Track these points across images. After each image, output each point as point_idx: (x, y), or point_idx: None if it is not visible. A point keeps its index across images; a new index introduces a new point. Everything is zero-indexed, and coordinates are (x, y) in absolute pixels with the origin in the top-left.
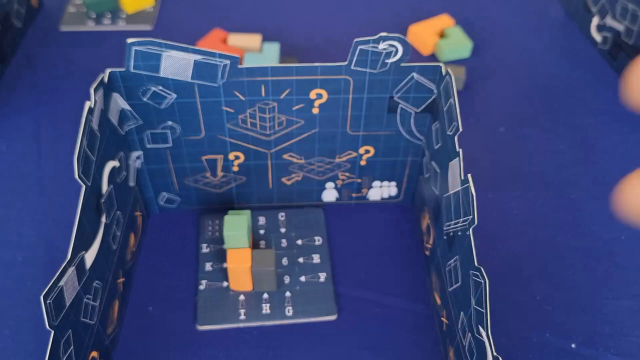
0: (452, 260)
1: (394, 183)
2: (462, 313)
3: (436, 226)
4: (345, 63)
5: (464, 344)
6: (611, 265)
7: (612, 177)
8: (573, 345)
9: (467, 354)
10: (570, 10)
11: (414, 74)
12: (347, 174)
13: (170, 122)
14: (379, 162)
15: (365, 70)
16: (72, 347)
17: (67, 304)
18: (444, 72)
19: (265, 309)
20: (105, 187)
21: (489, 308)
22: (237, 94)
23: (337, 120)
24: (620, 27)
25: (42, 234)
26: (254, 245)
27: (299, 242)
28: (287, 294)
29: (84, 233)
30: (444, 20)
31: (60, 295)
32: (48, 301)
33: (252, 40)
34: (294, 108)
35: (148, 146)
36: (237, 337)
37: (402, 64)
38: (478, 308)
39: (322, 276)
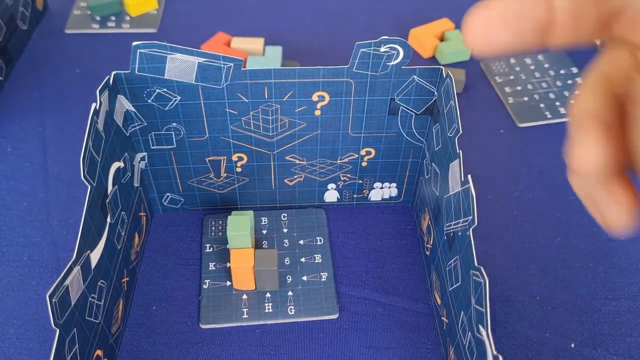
0: (452, 260)
1: (394, 184)
2: (462, 312)
3: (436, 226)
4: (347, 66)
5: (464, 343)
6: (610, 265)
7: None
8: (572, 345)
9: (468, 353)
10: None
11: (415, 77)
12: (348, 175)
13: (174, 124)
14: (379, 164)
15: (366, 73)
16: (77, 345)
17: (72, 303)
18: (444, 75)
19: (268, 308)
20: (110, 187)
21: (489, 307)
22: (241, 96)
23: (338, 122)
24: None
25: (47, 234)
26: (257, 245)
27: (301, 242)
28: (289, 293)
29: (89, 233)
30: (444, 24)
31: (65, 294)
32: (54, 300)
33: (254, 43)
34: (297, 110)
35: (152, 147)
36: (240, 336)
37: (403, 67)
38: (478, 307)
39: (324, 276)
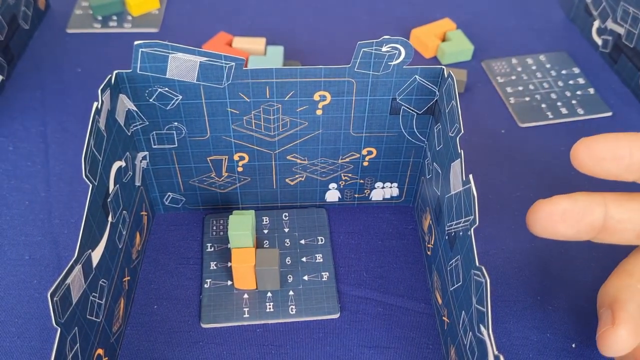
0: (453, 260)
1: (395, 184)
2: (463, 312)
3: (438, 226)
4: (349, 65)
5: (466, 342)
6: (612, 265)
7: None
8: (574, 345)
9: (469, 353)
10: (571, 13)
11: (417, 77)
12: (349, 174)
13: (175, 123)
14: (381, 164)
15: (368, 73)
16: (78, 344)
17: (74, 302)
18: (445, 75)
19: (269, 307)
20: (111, 186)
21: (490, 307)
22: (242, 95)
23: (340, 122)
24: (621, 30)
25: (48, 233)
26: (258, 244)
27: (302, 241)
28: (291, 292)
29: (91, 232)
30: (446, 24)
31: (67, 293)
32: (55, 299)
33: (256, 43)
34: (298, 110)
35: (154, 146)
36: (240, 335)
37: (405, 67)
38: (479, 307)
39: (325, 275)
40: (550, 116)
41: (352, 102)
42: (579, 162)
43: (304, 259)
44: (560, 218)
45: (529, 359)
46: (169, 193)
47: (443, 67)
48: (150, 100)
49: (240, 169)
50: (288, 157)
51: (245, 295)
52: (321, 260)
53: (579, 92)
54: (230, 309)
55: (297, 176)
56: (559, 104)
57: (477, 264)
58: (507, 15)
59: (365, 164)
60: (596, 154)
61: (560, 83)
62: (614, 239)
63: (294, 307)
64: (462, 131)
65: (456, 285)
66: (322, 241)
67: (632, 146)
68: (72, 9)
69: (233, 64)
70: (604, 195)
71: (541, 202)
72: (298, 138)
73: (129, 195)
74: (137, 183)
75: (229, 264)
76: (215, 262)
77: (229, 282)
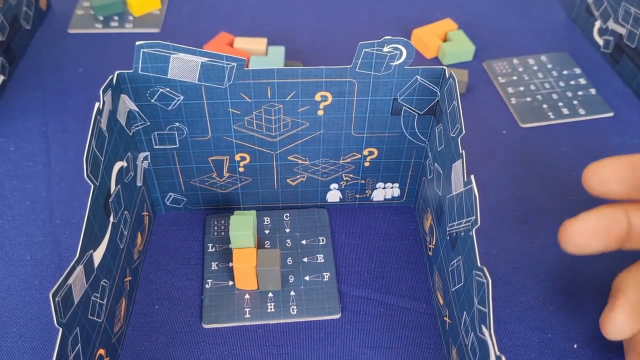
0: (455, 261)
1: (397, 184)
2: (464, 313)
3: (439, 227)
4: (350, 66)
5: (467, 343)
6: (613, 266)
7: None
8: (575, 346)
9: (470, 353)
10: (572, 13)
11: (418, 77)
12: (351, 175)
13: (177, 123)
14: (382, 164)
15: (369, 73)
16: (79, 344)
17: (75, 302)
18: (447, 75)
19: (270, 307)
20: (113, 187)
21: (492, 308)
22: (243, 95)
23: (341, 122)
24: (622, 30)
25: (49, 233)
26: (259, 245)
27: (304, 242)
28: (292, 293)
29: (92, 232)
30: (447, 25)
31: (68, 293)
32: (57, 299)
33: (257, 43)
34: (299, 110)
35: (155, 147)
36: (242, 336)
37: (406, 67)
38: (481, 308)
39: (326, 276)
40: (552, 116)
41: (353, 102)
42: (591, 187)
43: (305, 259)
44: (591, 234)
45: None
46: (170, 193)
47: (444, 67)
48: (152, 100)
49: (241, 169)
50: (289, 158)
51: (247, 296)
52: (322, 260)
53: (580, 93)
54: (231, 309)
55: (298, 176)
56: (560, 104)
57: (479, 264)
58: (508, 16)
59: (367, 164)
60: (602, 177)
61: (561, 83)
62: (638, 245)
63: (295, 307)
64: (464, 132)
65: (458, 286)
66: (323, 241)
67: (634, 167)
68: (74, 9)
69: (234, 64)
70: (623, 205)
71: (570, 222)
72: (299, 138)
73: (130, 196)
74: (139, 183)
75: (230, 264)
76: (216, 263)
77: (230, 283)
